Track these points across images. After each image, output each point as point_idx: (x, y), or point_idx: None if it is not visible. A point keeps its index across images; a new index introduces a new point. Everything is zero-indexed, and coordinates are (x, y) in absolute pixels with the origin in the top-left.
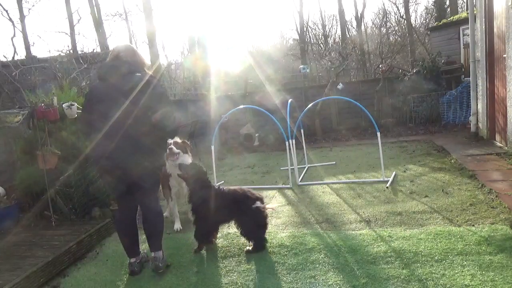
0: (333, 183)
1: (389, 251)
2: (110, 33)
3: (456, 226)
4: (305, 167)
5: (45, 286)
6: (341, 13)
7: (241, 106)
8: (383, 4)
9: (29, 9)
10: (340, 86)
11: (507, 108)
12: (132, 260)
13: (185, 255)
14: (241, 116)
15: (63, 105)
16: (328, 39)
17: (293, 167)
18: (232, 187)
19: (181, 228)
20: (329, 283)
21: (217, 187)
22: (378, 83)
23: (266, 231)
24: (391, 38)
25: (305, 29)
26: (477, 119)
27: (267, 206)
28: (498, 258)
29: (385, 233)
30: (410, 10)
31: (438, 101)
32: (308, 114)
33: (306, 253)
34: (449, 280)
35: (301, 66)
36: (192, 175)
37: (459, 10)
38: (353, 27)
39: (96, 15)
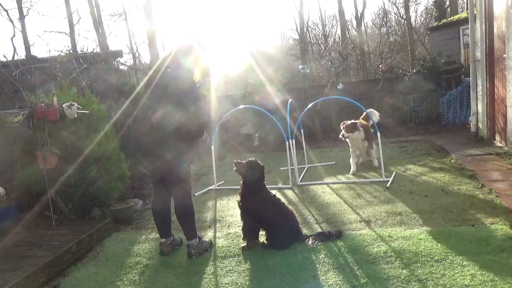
0: (333, 183)
1: (389, 251)
2: (109, 33)
3: (456, 226)
4: (305, 167)
5: (45, 286)
6: (341, 13)
7: (241, 106)
8: (383, 4)
9: (29, 9)
10: (340, 86)
11: (507, 108)
12: (163, 240)
13: (185, 255)
14: (241, 116)
15: (63, 105)
16: (328, 39)
17: (293, 167)
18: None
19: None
20: (329, 283)
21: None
22: (378, 83)
23: None
24: (391, 38)
25: (305, 29)
26: (477, 119)
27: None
28: (498, 258)
29: (385, 233)
30: (410, 10)
31: (438, 101)
32: (308, 114)
33: (306, 253)
34: (449, 280)
35: (301, 66)
36: (250, 173)
37: (459, 10)
38: (353, 27)
39: (96, 15)
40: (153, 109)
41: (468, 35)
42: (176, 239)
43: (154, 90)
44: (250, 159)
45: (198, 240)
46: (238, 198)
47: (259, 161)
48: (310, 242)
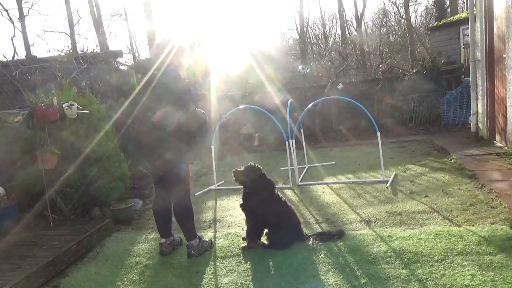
0: (333, 183)
1: (389, 251)
2: (110, 33)
3: (456, 226)
4: (305, 167)
5: (45, 286)
6: (341, 13)
7: (241, 106)
8: (383, 4)
9: (29, 9)
10: (340, 86)
11: (507, 108)
12: (162, 240)
13: (185, 255)
14: (241, 116)
15: (63, 105)
16: (328, 39)
17: (293, 167)
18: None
19: None
20: (329, 283)
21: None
22: (378, 83)
23: None
24: (391, 38)
25: (305, 29)
26: (477, 119)
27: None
28: (498, 258)
29: (385, 233)
30: (410, 10)
31: (438, 101)
32: (308, 114)
33: (306, 253)
34: (449, 280)
35: (300, 66)
36: (250, 180)
37: (459, 10)
38: (353, 27)
39: (96, 15)
40: (149, 109)
41: (468, 35)
42: (176, 239)
43: (146, 90)
44: (249, 164)
45: (198, 240)
46: (241, 201)
47: (257, 165)
48: (310, 242)
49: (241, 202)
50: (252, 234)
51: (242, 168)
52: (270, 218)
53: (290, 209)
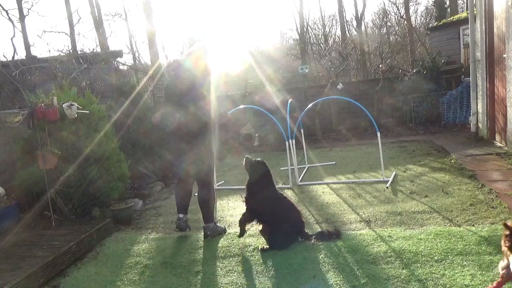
0: (333, 183)
1: (389, 251)
2: (110, 33)
3: (456, 226)
4: (305, 167)
5: (45, 286)
6: (341, 13)
7: (241, 106)
8: (383, 4)
9: (29, 9)
10: (340, 86)
11: (507, 108)
12: (181, 215)
13: (185, 255)
14: (241, 116)
15: (63, 105)
16: (328, 39)
17: (293, 167)
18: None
19: None
20: (329, 283)
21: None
22: (378, 83)
23: None
24: (391, 38)
25: (305, 29)
26: (477, 119)
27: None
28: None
29: (385, 233)
30: (410, 10)
31: (438, 101)
32: (308, 114)
33: (306, 253)
34: (449, 280)
35: (300, 66)
36: (255, 171)
37: (459, 10)
38: (353, 27)
39: (96, 15)
40: (175, 111)
41: (468, 35)
42: (188, 224)
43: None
44: (258, 159)
45: (213, 224)
46: (245, 194)
47: (265, 163)
48: (312, 241)
49: (245, 195)
50: (244, 224)
51: (254, 160)
52: (271, 218)
53: (293, 207)
